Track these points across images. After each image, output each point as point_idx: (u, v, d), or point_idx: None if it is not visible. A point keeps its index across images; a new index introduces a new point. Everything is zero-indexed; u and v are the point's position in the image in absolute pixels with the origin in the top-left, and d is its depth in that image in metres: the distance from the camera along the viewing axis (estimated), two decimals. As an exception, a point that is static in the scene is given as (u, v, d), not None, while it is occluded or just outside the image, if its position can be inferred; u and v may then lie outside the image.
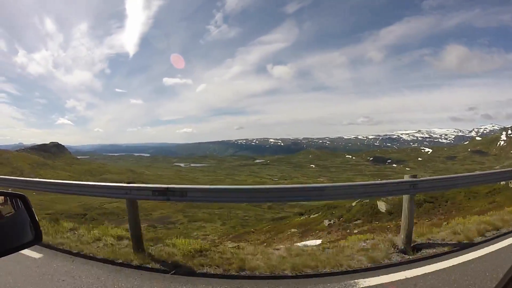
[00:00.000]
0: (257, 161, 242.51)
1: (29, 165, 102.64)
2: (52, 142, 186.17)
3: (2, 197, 1.22)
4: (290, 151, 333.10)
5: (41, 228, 1.20)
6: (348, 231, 14.45)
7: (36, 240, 1.18)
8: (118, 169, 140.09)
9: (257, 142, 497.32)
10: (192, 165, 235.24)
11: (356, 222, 17.05)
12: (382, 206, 16.95)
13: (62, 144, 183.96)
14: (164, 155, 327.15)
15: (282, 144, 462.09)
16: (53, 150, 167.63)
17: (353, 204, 19.54)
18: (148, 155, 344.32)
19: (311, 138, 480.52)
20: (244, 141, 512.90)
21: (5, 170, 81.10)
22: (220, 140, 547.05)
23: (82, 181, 6.11)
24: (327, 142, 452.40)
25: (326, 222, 18.75)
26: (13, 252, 1.10)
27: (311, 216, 25.07)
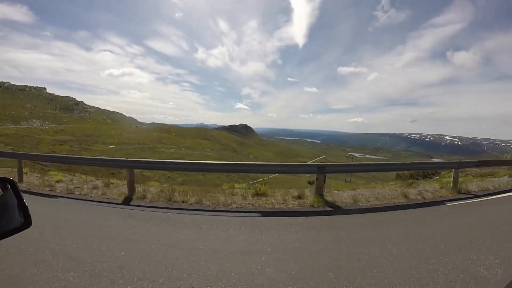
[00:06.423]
0: (434, 160, 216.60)
1: (233, 143, 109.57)
2: (241, 124, 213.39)
3: None
4: (468, 152, 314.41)
5: (30, 213, 1.13)
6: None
7: (25, 225, 1.12)
8: (307, 153, 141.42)
9: (431, 138, 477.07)
10: (366, 156, 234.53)
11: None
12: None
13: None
14: (335, 143, 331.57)
15: (459, 143, 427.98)
16: (242, 131, 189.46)
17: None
18: (319, 141, 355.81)
19: (492, 140, 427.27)
20: (418, 136, 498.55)
21: (216, 146, 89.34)
22: (391, 132, 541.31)
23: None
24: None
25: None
26: (2, 238, 1.04)
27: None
